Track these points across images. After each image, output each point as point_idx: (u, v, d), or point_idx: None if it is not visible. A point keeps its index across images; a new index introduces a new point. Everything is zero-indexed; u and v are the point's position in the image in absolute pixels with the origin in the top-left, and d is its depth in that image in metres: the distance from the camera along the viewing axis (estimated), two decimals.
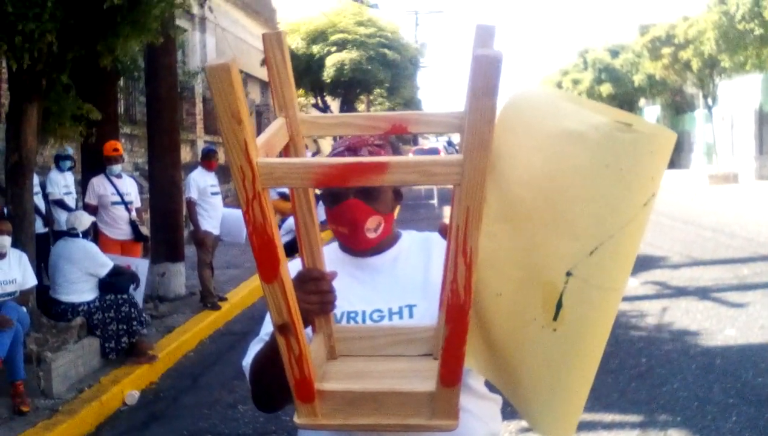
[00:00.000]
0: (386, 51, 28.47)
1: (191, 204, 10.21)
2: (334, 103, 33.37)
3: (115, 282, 7.97)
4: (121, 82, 14.67)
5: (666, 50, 35.61)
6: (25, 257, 6.95)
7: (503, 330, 1.72)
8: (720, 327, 8.76)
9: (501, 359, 1.78)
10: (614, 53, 46.83)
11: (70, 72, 7.54)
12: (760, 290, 10.74)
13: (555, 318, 1.55)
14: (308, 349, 1.67)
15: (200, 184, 10.27)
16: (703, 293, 10.50)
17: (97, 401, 6.75)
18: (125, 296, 7.84)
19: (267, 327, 2.15)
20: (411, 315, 2.11)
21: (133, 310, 7.79)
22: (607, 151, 1.44)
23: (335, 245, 2.23)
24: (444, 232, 1.96)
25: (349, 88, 29.32)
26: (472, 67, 1.36)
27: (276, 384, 1.97)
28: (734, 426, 5.90)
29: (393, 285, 2.17)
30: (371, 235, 2.11)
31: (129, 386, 7.30)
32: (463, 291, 1.53)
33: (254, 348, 2.13)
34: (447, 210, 22.09)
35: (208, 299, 10.41)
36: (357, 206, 2.06)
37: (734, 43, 27.26)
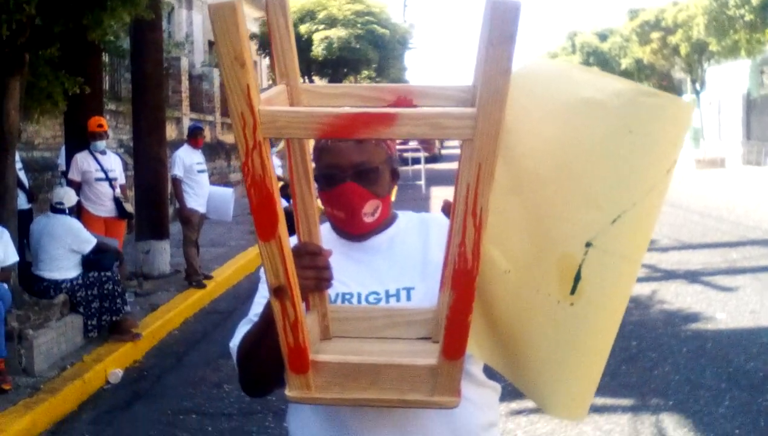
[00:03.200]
0: (376, 27, 28.29)
1: (177, 182, 10.09)
2: (321, 84, 33.09)
3: (99, 259, 7.83)
4: (106, 59, 14.48)
5: (655, 34, 35.61)
6: (6, 234, 6.81)
7: (511, 309, 1.65)
8: (710, 311, 8.71)
9: (506, 340, 1.71)
10: (603, 37, 46.77)
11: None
12: (749, 274, 10.72)
13: (573, 292, 1.50)
14: (304, 315, 1.60)
15: (186, 161, 10.13)
16: (692, 276, 10.49)
17: (79, 380, 6.64)
18: (108, 274, 7.71)
19: (256, 308, 2.06)
20: (409, 298, 2.02)
21: (116, 287, 7.67)
22: (630, 117, 1.41)
23: (328, 225, 2.13)
24: (448, 210, 1.87)
25: (337, 67, 29.12)
26: (488, 13, 1.29)
27: (265, 366, 1.91)
28: (727, 411, 5.85)
29: (390, 267, 2.09)
30: (368, 219, 2.04)
31: (112, 365, 7.19)
32: (471, 255, 1.46)
33: (242, 329, 2.05)
34: (435, 191, 22.00)
35: (193, 277, 10.30)
36: (354, 190, 1.98)
37: (723, 28, 27.22)
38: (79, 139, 9.45)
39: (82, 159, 9.23)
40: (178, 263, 11.01)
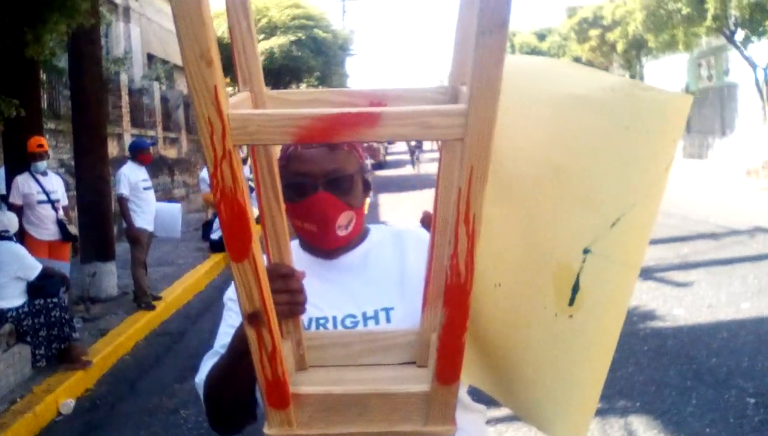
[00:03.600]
0: (318, 31, 28.15)
1: (123, 200, 9.76)
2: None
3: (44, 285, 7.54)
4: (44, 76, 14.11)
5: (593, 32, 36.07)
6: None
7: (502, 326, 1.55)
8: (667, 308, 8.73)
9: (497, 360, 1.60)
10: (541, 36, 47.32)
11: None
12: (702, 268, 10.80)
13: (571, 303, 1.41)
14: (281, 345, 1.46)
15: (131, 179, 9.83)
16: (645, 273, 10.46)
17: (30, 413, 6.37)
18: (55, 300, 7.43)
19: (222, 338, 1.92)
20: (388, 320, 1.90)
21: (63, 314, 7.39)
22: (627, 112, 1.34)
23: (295, 243, 1.99)
24: (427, 222, 1.75)
25: (279, 76, 28.90)
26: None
27: (237, 402, 1.79)
28: (695, 409, 5.82)
29: (365, 286, 1.96)
30: (342, 232, 1.91)
31: (63, 395, 6.92)
32: (465, 268, 1.33)
33: (208, 363, 1.90)
34: (383, 198, 21.90)
35: (143, 299, 10.02)
36: (328, 200, 1.85)
37: (661, 23, 27.58)
38: (19, 160, 9.13)
39: (23, 181, 8.91)
40: (126, 284, 10.71)
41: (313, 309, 1.83)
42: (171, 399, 6.83)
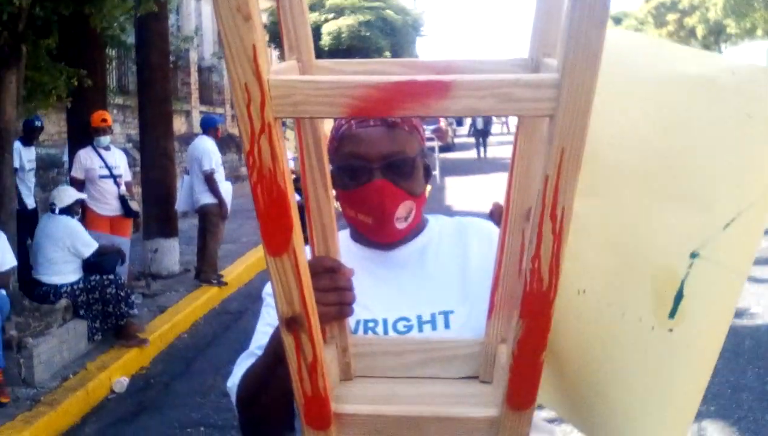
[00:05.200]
0: (388, 12, 27.85)
1: (212, 175, 9.58)
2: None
3: (101, 262, 7.46)
4: (113, 52, 14.15)
5: (671, 16, 35.18)
6: (3, 237, 6.44)
7: (585, 339, 1.36)
8: (744, 305, 8.30)
9: (577, 378, 1.40)
10: (617, 20, 46.27)
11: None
12: None
13: (672, 315, 1.22)
14: (324, 354, 1.25)
15: (214, 156, 9.67)
16: None
17: (82, 390, 6.30)
18: (111, 277, 7.35)
19: (259, 338, 1.71)
20: (447, 325, 1.67)
21: (119, 291, 7.30)
22: (749, 99, 1.16)
23: (345, 233, 1.76)
24: (497, 215, 1.51)
25: (347, 57, 28.76)
26: None
27: (273, 411, 1.59)
28: None
29: (422, 285, 1.73)
30: (401, 225, 1.67)
31: (117, 373, 6.86)
32: (549, 273, 1.11)
33: (243, 365, 1.69)
34: (450, 181, 21.57)
35: (213, 276, 9.92)
36: (386, 189, 1.62)
37: (741, 8, 26.75)
38: (83, 134, 9.09)
39: (85, 156, 8.85)
40: (188, 261, 10.67)
41: (361, 310, 1.61)
42: (225, 380, 6.64)
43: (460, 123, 41.97)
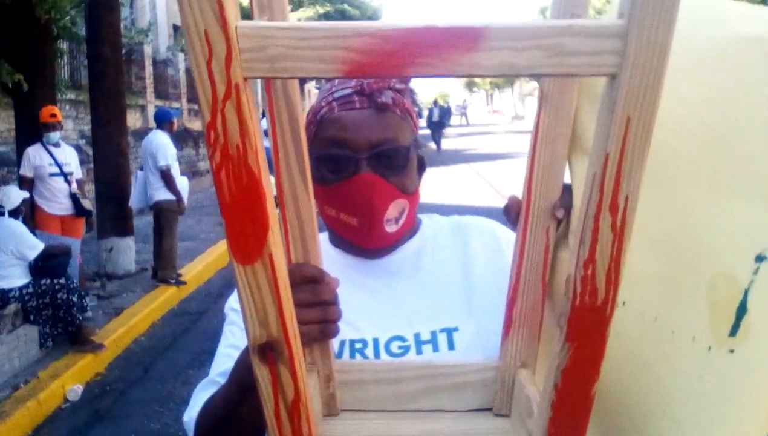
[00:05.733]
0: (345, 7, 27.61)
1: (168, 171, 9.23)
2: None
3: (50, 266, 7.07)
4: (64, 45, 13.70)
5: None
6: None
7: (627, 359, 1.11)
8: None
9: (612, 405, 1.14)
10: None
11: None
12: None
13: (733, 332, 1.00)
14: (309, 388, 0.99)
15: (170, 150, 9.31)
16: None
17: (33, 400, 5.97)
18: (62, 281, 6.96)
19: (221, 364, 1.43)
20: (451, 345, 1.41)
21: (71, 296, 6.92)
22: None
23: (323, 237, 1.49)
24: (514, 212, 1.26)
25: None
26: None
27: None
28: None
29: (419, 297, 1.47)
30: (391, 228, 1.41)
31: (71, 380, 6.52)
32: (606, 282, 0.87)
33: (201, 396, 1.41)
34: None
35: (171, 274, 9.59)
36: (375, 184, 1.36)
37: None
38: (32, 131, 8.69)
39: (34, 153, 8.45)
40: (145, 260, 10.32)
41: (347, 329, 1.36)
42: (184, 386, 6.40)
43: (420, 114, 41.67)
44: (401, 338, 1.42)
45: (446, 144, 34.14)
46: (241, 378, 1.22)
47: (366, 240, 1.42)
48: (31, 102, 8.55)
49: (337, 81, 1.43)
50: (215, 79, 0.79)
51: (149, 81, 18.85)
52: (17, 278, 6.86)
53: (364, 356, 1.40)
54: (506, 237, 1.54)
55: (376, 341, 1.42)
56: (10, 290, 6.76)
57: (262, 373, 0.94)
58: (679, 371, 1.03)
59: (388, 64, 0.78)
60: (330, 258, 1.41)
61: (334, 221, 1.44)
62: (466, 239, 1.55)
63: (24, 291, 6.81)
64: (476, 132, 49.01)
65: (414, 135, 1.45)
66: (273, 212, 0.88)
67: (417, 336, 1.42)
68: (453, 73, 0.78)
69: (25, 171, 8.42)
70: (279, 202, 1.19)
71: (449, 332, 1.42)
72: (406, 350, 1.41)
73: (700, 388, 1.01)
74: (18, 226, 7.05)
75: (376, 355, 1.41)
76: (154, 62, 19.73)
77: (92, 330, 7.30)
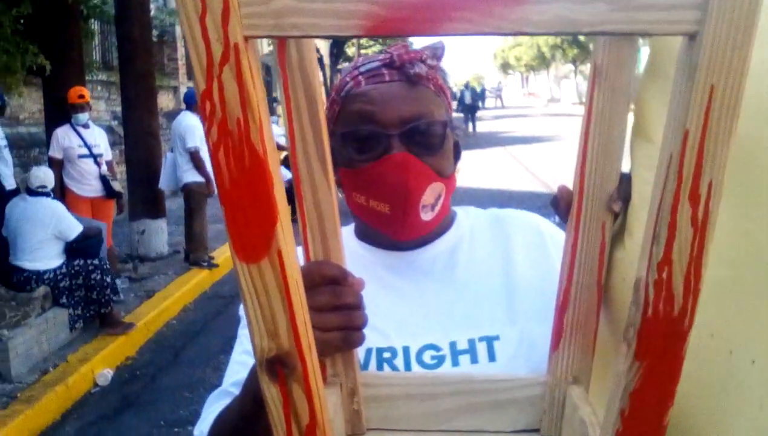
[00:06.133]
0: None
1: (198, 153, 9.07)
2: (323, 45, 32.40)
3: (85, 247, 7.01)
4: (95, 26, 13.64)
5: None
6: None
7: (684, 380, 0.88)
8: None
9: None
10: None
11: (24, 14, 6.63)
12: None
13: None
14: (327, 409, 0.84)
15: (198, 132, 9.17)
16: None
17: (62, 385, 5.86)
18: (96, 262, 6.90)
19: (234, 372, 1.30)
20: (492, 356, 1.24)
21: (104, 277, 6.86)
22: None
23: (348, 230, 1.34)
24: (564, 204, 1.08)
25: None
26: None
27: None
28: None
29: (456, 300, 1.29)
30: (427, 215, 1.22)
31: (101, 364, 6.41)
32: (684, 288, 0.72)
33: (214, 408, 1.26)
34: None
35: (203, 257, 9.49)
36: (410, 164, 1.19)
37: None
38: (60, 112, 8.60)
39: (63, 134, 8.36)
40: (178, 242, 10.25)
41: (373, 335, 1.20)
42: (215, 372, 6.26)
43: (454, 97, 41.56)
44: (435, 347, 1.26)
45: (481, 127, 33.87)
46: (255, 390, 1.04)
47: (399, 229, 1.24)
48: (59, 83, 8.45)
49: (361, 59, 1.31)
50: (210, 39, 0.68)
51: (181, 62, 18.82)
52: (52, 259, 6.80)
53: (394, 367, 1.24)
54: (551, 233, 1.38)
55: (406, 350, 1.26)
56: (45, 272, 6.69)
57: (271, 393, 0.80)
58: (736, 396, 0.87)
59: (419, 19, 0.65)
60: (355, 253, 1.27)
61: (363, 210, 1.26)
62: (507, 235, 1.37)
63: (57, 272, 6.73)
64: (511, 114, 48.71)
65: (449, 115, 1.29)
66: (283, 201, 0.74)
67: (453, 345, 1.25)
68: (497, 30, 0.65)
69: (54, 152, 8.33)
70: (296, 192, 1.05)
71: (489, 340, 1.25)
72: (440, 360, 1.24)
73: (759, 416, 0.85)
74: (59, 205, 7.01)
75: (407, 366, 1.24)
76: (186, 43, 19.74)
77: (117, 313, 7.19)
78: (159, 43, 15.88)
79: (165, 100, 16.42)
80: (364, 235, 1.36)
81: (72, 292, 6.77)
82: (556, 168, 16.91)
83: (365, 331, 1.04)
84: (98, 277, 6.84)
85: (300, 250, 1.05)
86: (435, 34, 0.66)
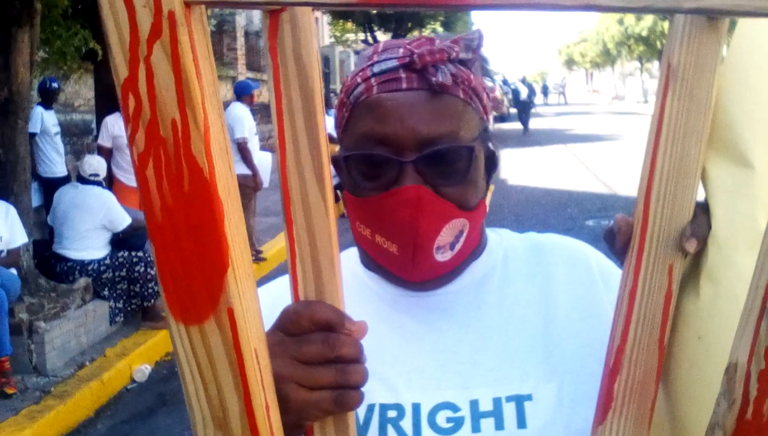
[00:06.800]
0: None
1: (245, 144, 8.94)
2: (385, 38, 32.25)
3: (130, 238, 6.93)
4: None
5: None
6: (12, 211, 5.89)
7: (701, 399, 0.80)
8: None
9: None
10: None
11: None
12: None
13: None
14: None
15: (247, 123, 9.07)
16: None
17: (97, 380, 5.75)
18: (140, 254, 6.82)
19: None
20: (522, 422, 1.02)
21: (148, 270, 6.76)
22: None
23: (352, 253, 1.13)
24: (622, 237, 0.83)
25: (400, 22, 28.04)
26: None
27: None
28: None
29: (479, 347, 1.07)
30: (444, 256, 1.03)
31: (139, 360, 6.30)
32: None
33: None
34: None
35: (251, 251, 9.37)
36: (424, 201, 0.99)
37: None
38: (111, 100, 8.50)
39: (113, 122, 8.30)
40: None
41: (377, 387, 1.02)
42: None
43: (514, 93, 40.91)
44: (452, 406, 1.03)
45: (542, 123, 33.37)
46: None
47: (408, 272, 1.03)
48: (110, 69, 8.34)
49: (380, 48, 1.06)
50: (135, 5, 0.53)
51: (240, 52, 18.86)
52: (98, 250, 6.77)
53: (400, 430, 1.01)
54: (603, 267, 1.14)
55: (416, 409, 1.04)
56: (90, 262, 6.62)
57: None
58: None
59: None
60: (359, 284, 1.07)
61: (368, 243, 1.06)
62: (548, 267, 1.13)
63: (101, 263, 6.64)
64: (574, 111, 48.05)
65: (483, 124, 1.05)
66: (240, 236, 0.59)
67: (474, 404, 1.03)
68: (552, 5, 0.50)
69: (104, 141, 8.28)
70: (285, 213, 0.81)
71: (519, 400, 1.03)
72: (457, 424, 1.02)
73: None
74: (110, 195, 6.99)
75: (416, 429, 1.02)
76: (246, 34, 19.74)
77: (162, 307, 7.07)
78: (218, 33, 15.87)
79: (223, 91, 16.38)
80: (370, 263, 1.13)
81: (114, 284, 6.68)
82: (617, 168, 16.50)
83: (369, 382, 0.82)
84: (142, 269, 6.76)
85: (287, 281, 0.81)
86: (459, 8, 0.44)
